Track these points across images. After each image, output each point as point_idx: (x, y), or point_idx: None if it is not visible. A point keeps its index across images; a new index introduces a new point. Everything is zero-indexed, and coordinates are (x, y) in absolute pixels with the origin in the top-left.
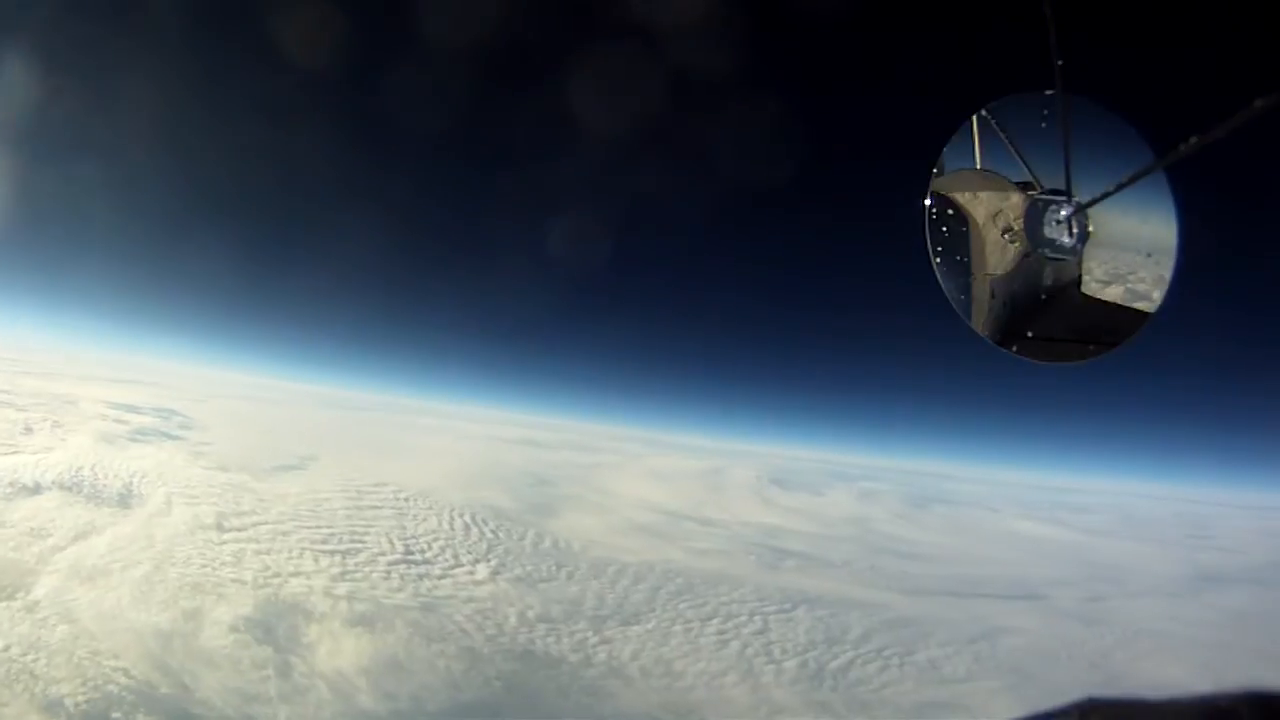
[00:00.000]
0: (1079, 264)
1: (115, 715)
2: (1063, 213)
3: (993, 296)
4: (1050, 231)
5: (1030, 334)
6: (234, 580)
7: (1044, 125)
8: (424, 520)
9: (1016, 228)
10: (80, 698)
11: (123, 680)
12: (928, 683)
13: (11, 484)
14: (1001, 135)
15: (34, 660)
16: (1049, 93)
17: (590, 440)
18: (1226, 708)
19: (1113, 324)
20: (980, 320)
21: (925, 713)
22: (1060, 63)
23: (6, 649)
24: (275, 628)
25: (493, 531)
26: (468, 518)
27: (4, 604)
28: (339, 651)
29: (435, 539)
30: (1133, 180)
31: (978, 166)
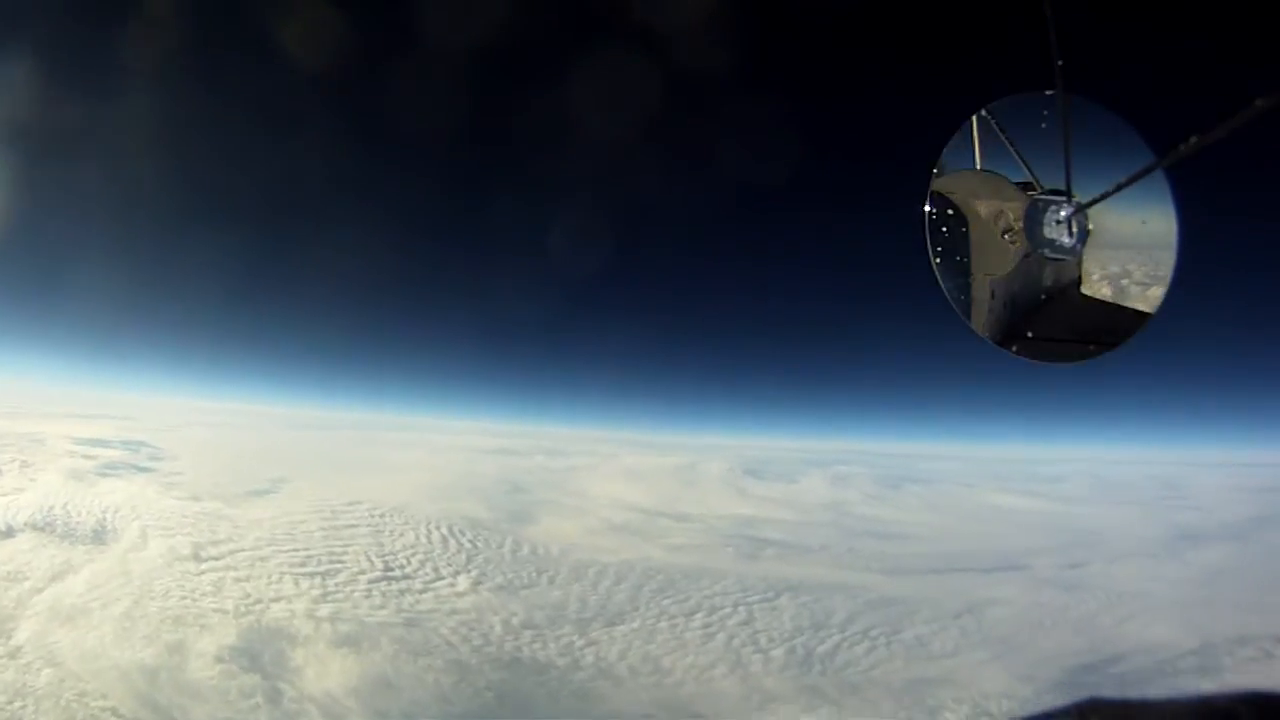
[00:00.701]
0: (1079, 264)
1: None
2: (1063, 213)
3: (993, 297)
4: (1050, 232)
5: (1030, 334)
6: (215, 610)
7: (1044, 125)
8: (401, 535)
9: (1016, 228)
10: None
11: None
12: (916, 660)
13: None
14: (1001, 135)
15: (21, 707)
16: (1049, 93)
17: (562, 444)
18: (1226, 708)
19: (1113, 324)
20: (980, 320)
21: (916, 690)
22: (1060, 63)
23: None
24: (261, 655)
25: (471, 542)
26: (445, 530)
27: None
28: (326, 673)
29: (414, 553)
30: (1133, 180)
31: (978, 167)
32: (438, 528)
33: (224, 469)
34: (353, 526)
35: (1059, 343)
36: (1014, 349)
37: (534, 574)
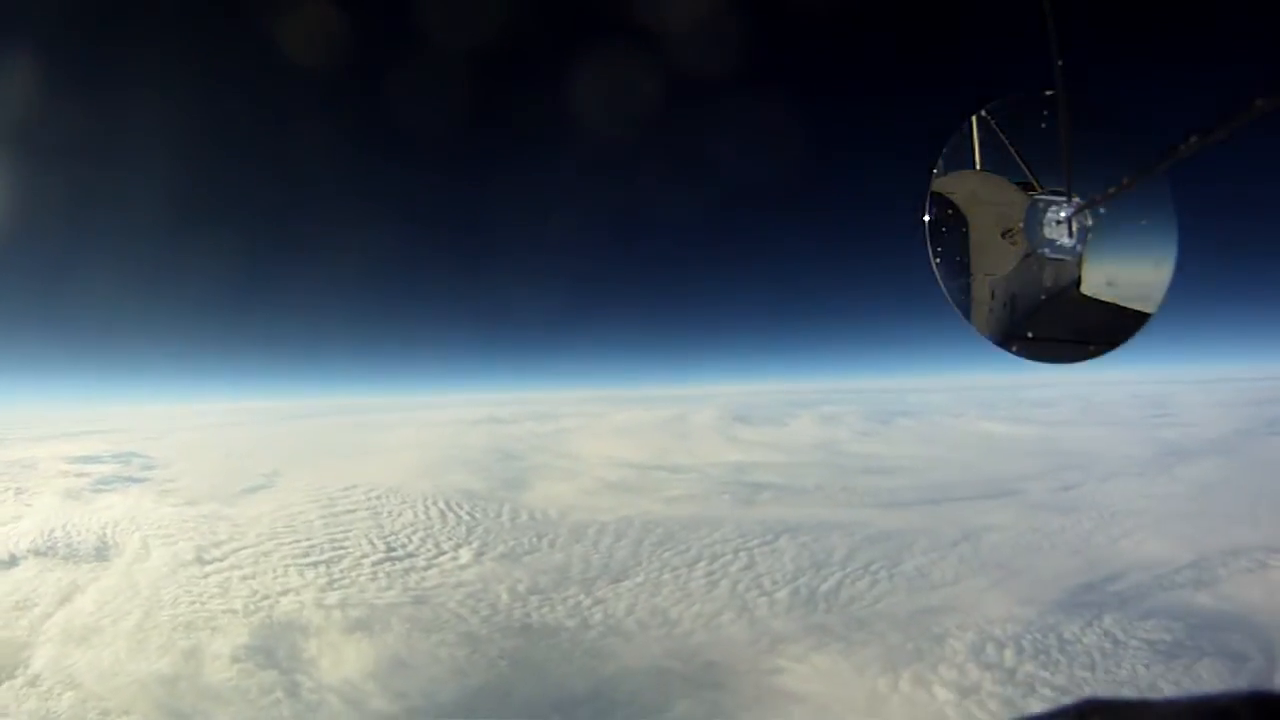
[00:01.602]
0: (1079, 264)
1: None
2: (1063, 213)
3: (993, 297)
4: (1050, 232)
5: (1030, 334)
6: (225, 611)
7: (1044, 125)
8: (400, 515)
9: (1016, 228)
10: None
11: None
12: (918, 590)
13: None
14: (1001, 136)
15: None
16: (1049, 93)
17: (549, 408)
18: (1226, 708)
19: (1113, 324)
20: (980, 321)
21: (921, 620)
22: (1060, 63)
23: None
24: (275, 650)
25: (469, 514)
26: (442, 505)
27: (6, 685)
28: (342, 661)
29: (414, 531)
30: (1133, 180)
31: (978, 167)
32: (435, 503)
33: (217, 469)
34: (351, 511)
35: (1059, 343)
36: (1014, 349)
37: (535, 539)
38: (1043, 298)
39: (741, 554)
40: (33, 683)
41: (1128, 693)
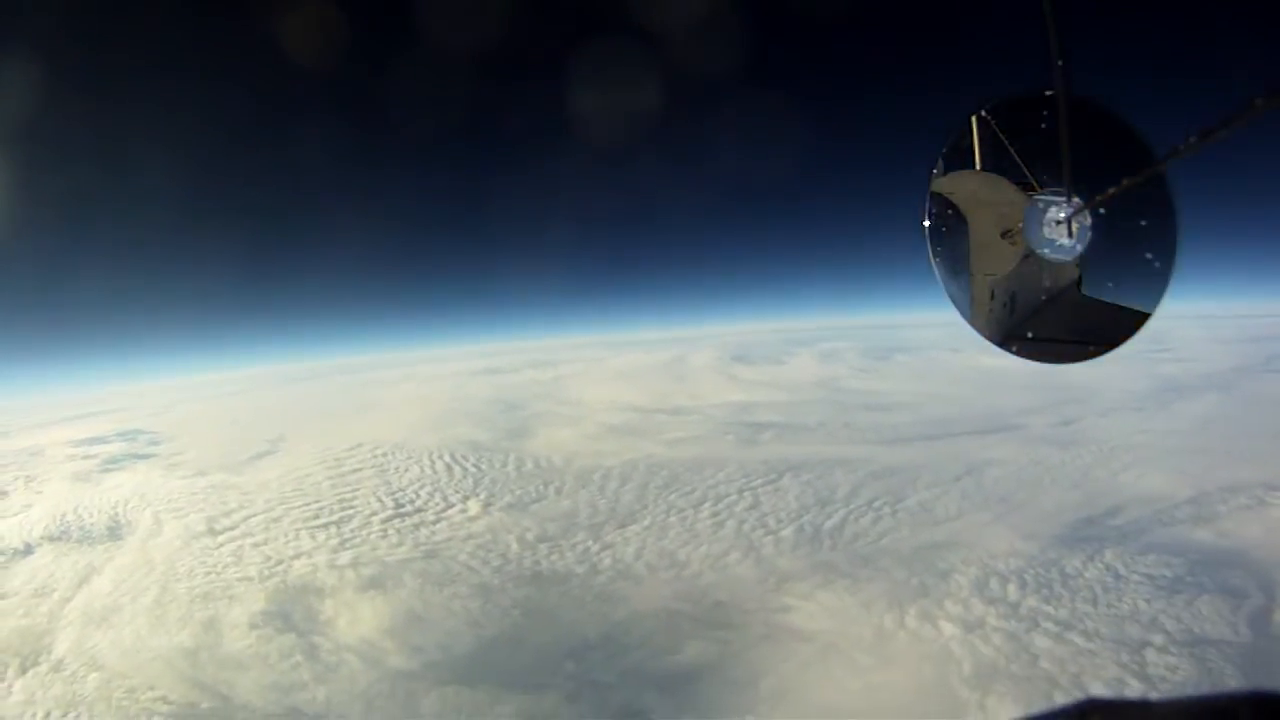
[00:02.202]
0: (1079, 264)
1: None
2: (1062, 213)
3: (992, 297)
4: (1050, 232)
5: (1030, 335)
6: (240, 579)
7: (1044, 125)
8: (406, 471)
9: (1016, 228)
10: None
11: (164, 708)
12: (922, 525)
13: (3, 553)
14: (1001, 136)
15: (76, 717)
16: (1049, 93)
17: (548, 355)
18: (1226, 708)
19: (1113, 324)
20: (980, 321)
21: (925, 556)
22: (1060, 63)
23: (48, 716)
24: (292, 614)
25: (475, 466)
26: (448, 458)
27: (32, 672)
28: (358, 620)
29: (422, 486)
30: (1133, 180)
31: (977, 167)
32: (440, 457)
33: (222, 439)
34: (357, 470)
35: (1059, 343)
36: (1014, 349)
37: (541, 487)
38: (1043, 298)
39: (746, 494)
40: (57, 668)
41: (1131, 628)
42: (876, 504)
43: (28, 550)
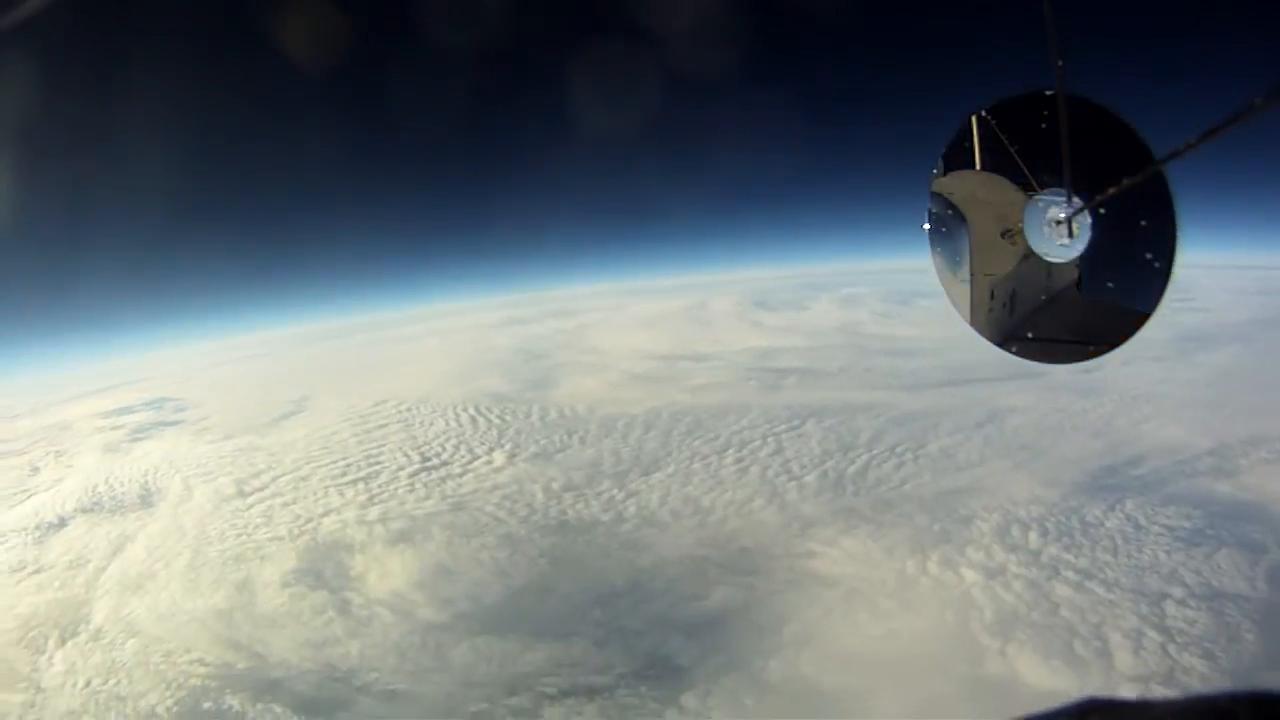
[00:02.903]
0: (1079, 264)
1: (206, 705)
2: (1062, 213)
3: (992, 297)
4: (1050, 232)
5: (1030, 335)
6: (271, 539)
7: (1044, 125)
8: (431, 425)
9: (1016, 228)
10: (170, 701)
11: (201, 670)
12: (944, 471)
13: (38, 527)
14: (1001, 136)
15: (116, 684)
16: (1049, 93)
17: (570, 304)
18: (1226, 708)
19: (1113, 325)
20: (980, 321)
21: (947, 502)
22: (1060, 63)
23: (89, 684)
24: (323, 571)
25: (499, 417)
26: (472, 411)
27: (71, 642)
28: (388, 574)
29: (447, 439)
30: (1133, 180)
31: (977, 167)
32: (464, 410)
33: (247, 402)
34: (383, 426)
35: (1059, 344)
36: (1014, 349)
37: (565, 436)
38: (1043, 298)
39: (769, 439)
40: (96, 636)
41: (1151, 579)
42: (899, 449)
43: (61, 523)
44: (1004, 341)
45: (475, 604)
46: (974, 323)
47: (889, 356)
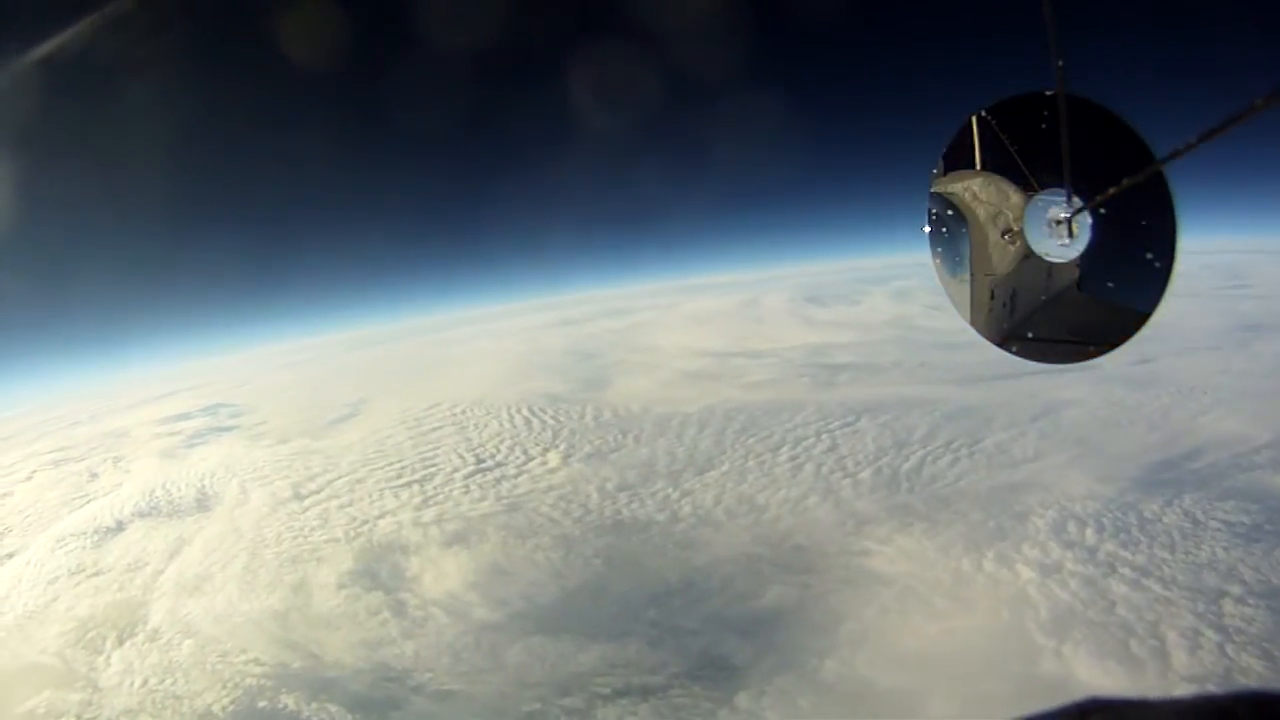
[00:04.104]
0: (1079, 265)
1: (262, 704)
2: (1062, 213)
3: (992, 297)
4: (1050, 232)
5: (1030, 335)
6: (327, 541)
7: (1044, 125)
8: (485, 427)
9: (1016, 229)
10: (226, 701)
11: (257, 670)
12: (999, 467)
13: (97, 531)
14: (1001, 136)
15: (173, 684)
16: (1049, 92)
17: (621, 304)
18: (1226, 707)
19: (1113, 325)
20: (980, 321)
21: (1002, 498)
22: (1060, 63)
23: (145, 683)
24: (378, 572)
25: (553, 418)
26: (526, 412)
27: (129, 643)
28: (443, 575)
29: (501, 441)
30: (1133, 181)
31: (978, 168)
32: (518, 411)
33: (302, 406)
34: (437, 429)
35: (1060, 344)
36: (1014, 350)
37: (620, 436)
38: (1043, 298)
39: (823, 436)
40: (153, 637)
41: (1209, 576)
42: (954, 445)
43: (119, 527)
44: (1004, 341)
45: (530, 604)
46: (974, 323)
47: (943, 350)
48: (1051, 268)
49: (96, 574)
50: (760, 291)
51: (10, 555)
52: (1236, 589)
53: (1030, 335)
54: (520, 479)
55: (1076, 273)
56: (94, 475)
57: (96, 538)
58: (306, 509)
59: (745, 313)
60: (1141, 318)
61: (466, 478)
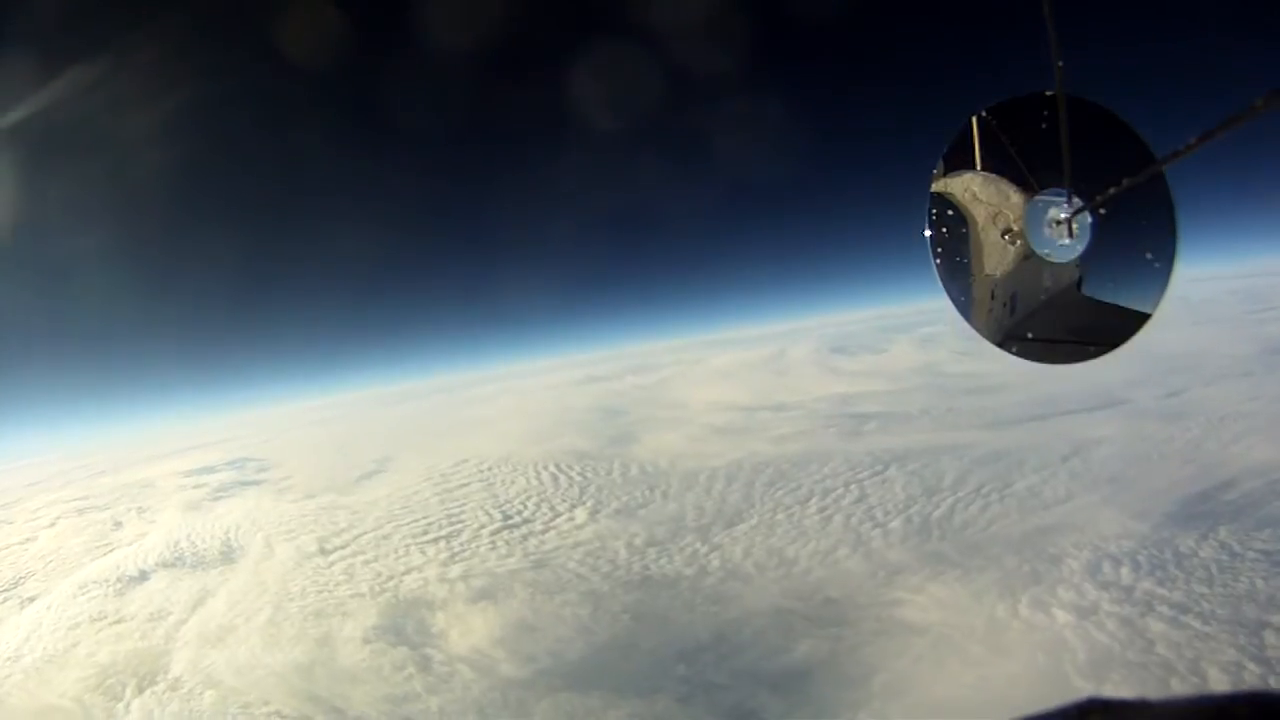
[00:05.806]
0: (1079, 265)
1: None
2: (1063, 213)
3: (993, 298)
4: (1050, 232)
5: (1031, 335)
6: (353, 596)
7: (1044, 125)
8: (512, 483)
9: (1016, 229)
10: None
11: None
12: (1031, 510)
13: (119, 579)
14: (1001, 136)
15: None
16: (1049, 93)
17: (647, 360)
18: (1225, 708)
19: (1113, 325)
20: (980, 321)
21: (1035, 541)
22: (1060, 63)
23: None
24: (404, 628)
25: (580, 474)
26: (553, 468)
27: (149, 691)
28: (469, 631)
29: (529, 498)
30: (1133, 181)
31: (978, 168)
32: (545, 468)
33: (329, 462)
34: (464, 485)
35: (1060, 344)
36: (1014, 350)
37: (647, 492)
38: (1043, 298)
39: (852, 486)
40: (174, 686)
41: (1248, 608)
42: (984, 490)
43: (143, 577)
44: (1004, 342)
45: (557, 660)
46: (975, 323)
47: (971, 395)
48: (1051, 268)
49: (118, 621)
50: (786, 344)
51: (32, 599)
52: (1278, 619)
53: (1030, 335)
54: (547, 535)
55: (1076, 273)
56: (118, 524)
57: (119, 586)
58: (332, 564)
59: (771, 365)
60: (1142, 318)
61: (493, 534)
